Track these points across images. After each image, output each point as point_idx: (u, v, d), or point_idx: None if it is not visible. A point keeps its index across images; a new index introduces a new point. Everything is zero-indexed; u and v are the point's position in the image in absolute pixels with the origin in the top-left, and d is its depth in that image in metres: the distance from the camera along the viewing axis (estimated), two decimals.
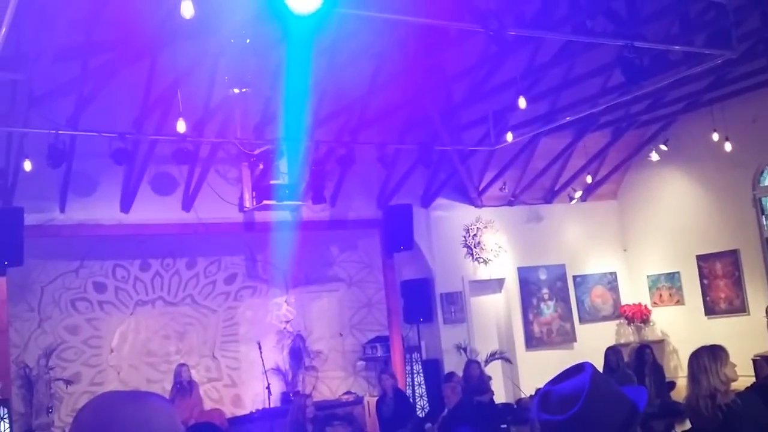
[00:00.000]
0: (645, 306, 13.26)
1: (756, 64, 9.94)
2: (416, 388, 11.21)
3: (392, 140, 10.64)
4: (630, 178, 13.71)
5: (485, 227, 12.52)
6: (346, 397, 11.42)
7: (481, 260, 12.43)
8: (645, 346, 11.07)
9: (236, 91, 7.91)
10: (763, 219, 11.95)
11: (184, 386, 9.78)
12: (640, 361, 10.38)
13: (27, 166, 8.20)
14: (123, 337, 10.59)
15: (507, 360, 12.00)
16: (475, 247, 12.39)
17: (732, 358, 4.17)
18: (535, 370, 11.14)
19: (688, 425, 4.59)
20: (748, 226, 11.99)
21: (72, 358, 10.18)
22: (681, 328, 12.73)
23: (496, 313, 12.80)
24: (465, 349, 11.54)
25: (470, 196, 12.44)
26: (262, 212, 10.30)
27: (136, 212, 9.79)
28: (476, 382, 10.16)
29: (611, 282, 13.56)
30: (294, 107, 8.75)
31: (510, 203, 12.85)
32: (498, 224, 12.62)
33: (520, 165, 12.20)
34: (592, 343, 11.68)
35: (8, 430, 8.25)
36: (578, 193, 13.16)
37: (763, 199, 11.97)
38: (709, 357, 4.11)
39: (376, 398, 10.20)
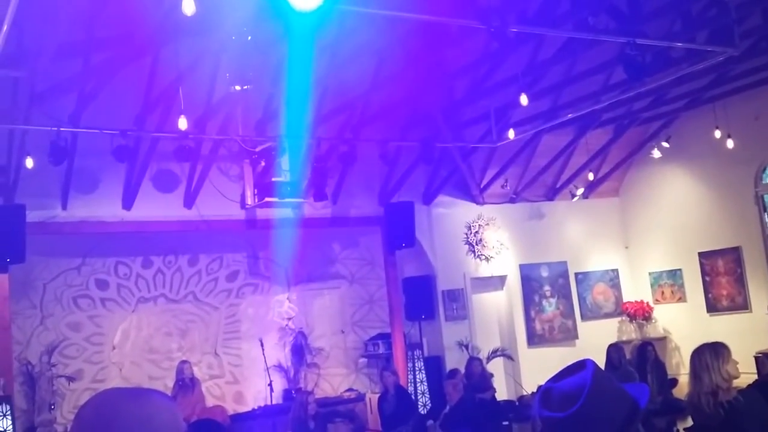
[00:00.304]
0: (647, 303, 13.23)
1: (758, 61, 9.90)
2: (418, 385, 11.20)
3: (394, 137, 10.64)
4: (632, 175, 13.70)
5: (487, 224, 12.51)
6: (347, 394, 11.43)
7: (483, 257, 12.42)
8: (647, 343, 11.07)
9: (238, 88, 7.92)
10: (766, 216, 11.92)
11: (186, 383, 9.80)
12: (642, 359, 10.37)
13: (29, 163, 8.21)
14: (125, 334, 10.61)
15: (509, 357, 11.99)
16: (476, 245, 12.39)
17: (734, 356, 4.17)
18: (537, 368, 11.13)
19: (690, 422, 4.60)
20: (750, 223, 11.97)
21: (74, 355, 10.20)
22: (683, 326, 12.73)
23: (497, 310, 12.79)
24: (467, 347, 11.54)
25: (472, 193, 12.43)
26: (263, 209, 10.30)
27: (138, 209, 9.80)
28: (478, 379, 10.17)
29: (613, 279, 13.55)
30: (296, 104, 8.74)
31: (512, 200, 12.84)
32: (500, 221, 12.61)
33: (522, 162, 12.19)
34: (594, 341, 11.68)
35: (11, 426, 8.26)
36: (580, 191, 13.13)
37: (765, 196, 11.94)
38: (711, 354, 4.11)
39: (377, 395, 10.20)
